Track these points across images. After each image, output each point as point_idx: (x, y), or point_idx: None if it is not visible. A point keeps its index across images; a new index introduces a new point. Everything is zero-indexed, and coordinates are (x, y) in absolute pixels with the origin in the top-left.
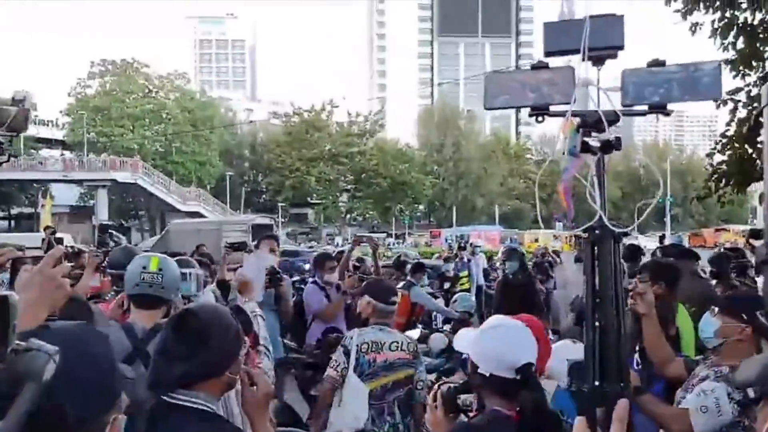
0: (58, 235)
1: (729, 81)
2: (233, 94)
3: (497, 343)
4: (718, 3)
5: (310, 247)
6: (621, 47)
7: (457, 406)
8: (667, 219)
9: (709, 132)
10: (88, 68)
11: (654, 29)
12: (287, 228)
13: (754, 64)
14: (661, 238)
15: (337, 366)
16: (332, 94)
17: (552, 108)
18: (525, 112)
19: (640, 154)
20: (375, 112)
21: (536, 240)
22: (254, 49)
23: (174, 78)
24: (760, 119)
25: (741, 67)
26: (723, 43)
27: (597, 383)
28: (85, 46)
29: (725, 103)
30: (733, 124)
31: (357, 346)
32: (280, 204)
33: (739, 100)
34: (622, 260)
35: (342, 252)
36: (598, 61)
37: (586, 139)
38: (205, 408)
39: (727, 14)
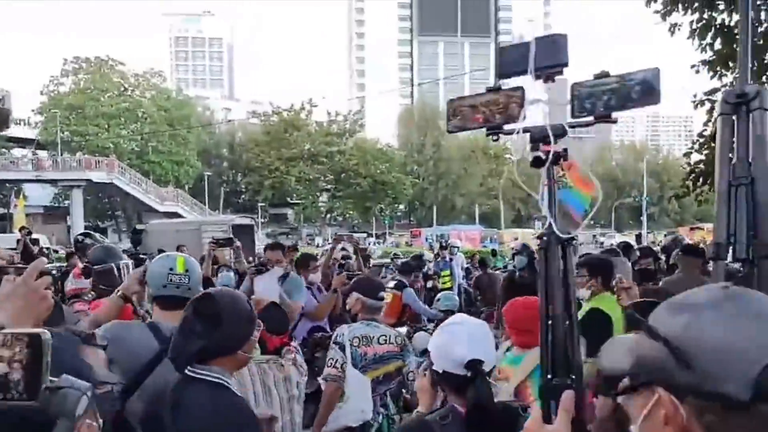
0: (33, 236)
1: (706, 82)
2: (210, 92)
3: (448, 340)
4: (696, 4)
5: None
6: (566, 64)
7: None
8: (644, 218)
9: (686, 132)
10: (62, 66)
11: (651, 29)
12: (267, 228)
13: (731, 64)
14: (638, 237)
15: (336, 362)
16: (311, 94)
17: (505, 127)
18: None
19: (618, 155)
20: (354, 111)
21: (516, 239)
22: (232, 47)
23: (150, 76)
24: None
25: (718, 68)
26: (701, 44)
27: (549, 377)
28: (59, 45)
29: (702, 103)
30: (711, 124)
31: (349, 340)
32: (259, 204)
33: (716, 101)
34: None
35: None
36: (547, 79)
37: (536, 153)
38: (219, 381)
39: (705, 15)
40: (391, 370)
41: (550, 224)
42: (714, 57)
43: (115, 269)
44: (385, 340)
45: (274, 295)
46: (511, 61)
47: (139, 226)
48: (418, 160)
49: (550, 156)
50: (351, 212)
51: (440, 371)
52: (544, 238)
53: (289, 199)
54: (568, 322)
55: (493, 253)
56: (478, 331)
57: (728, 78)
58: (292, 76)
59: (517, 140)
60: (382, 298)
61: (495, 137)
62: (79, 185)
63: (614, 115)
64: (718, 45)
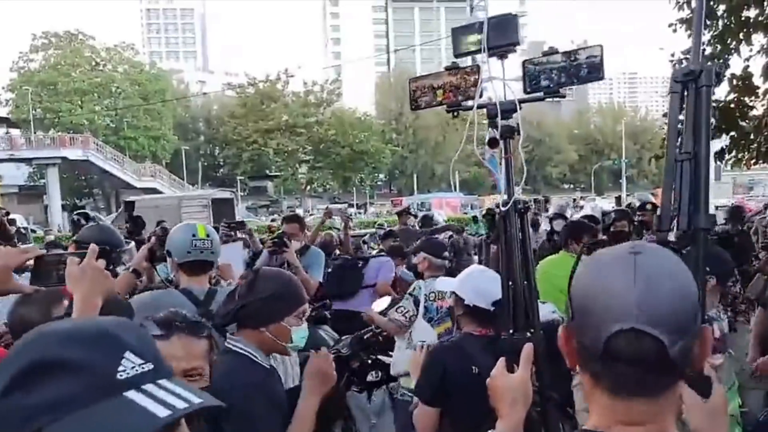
0: (10, 216)
1: (684, 40)
2: (184, 65)
3: (481, 282)
4: None
5: (272, 220)
6: (518, 43)
7: None
8: (623, 180)
9: (664, 92)
10: (30, 41)
11: None
12: (247, 201)
13: (708, 22)
14: (618, 199)
15: (406, 312)
16: (287, 64)
17: (463, 104)
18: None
19: (595, 117)
20: (331, 80)
21: (497, 205)
22: (204, 18)
23: (121, 50)
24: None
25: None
26: (678, 2)
27: (511, 332)
28: (27, 20)
29: (680, 62)
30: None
31: (425, 295)
32: (238, 177)
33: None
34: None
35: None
36: (501, 57)
37: (491, 135)
38: (242, 351)
39: None
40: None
41: (508, 195)
42: (691, 15)
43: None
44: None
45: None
46: (464, 40)
47: (131, 198)
48: (396, 128)
49: (498, 131)
50: (331, 183)
51: (471, 305)
52: (504, 207)
53: (268, 171)
54: (526, 283)
55: (474, 219)
56: (495, 276)
57: (705, 36)
58: (267, 46)
59: (474, 114)
60: (446, 258)
61: (455, 114)
62: (54, 163)
63: (562, 90)
64: (694, 2)
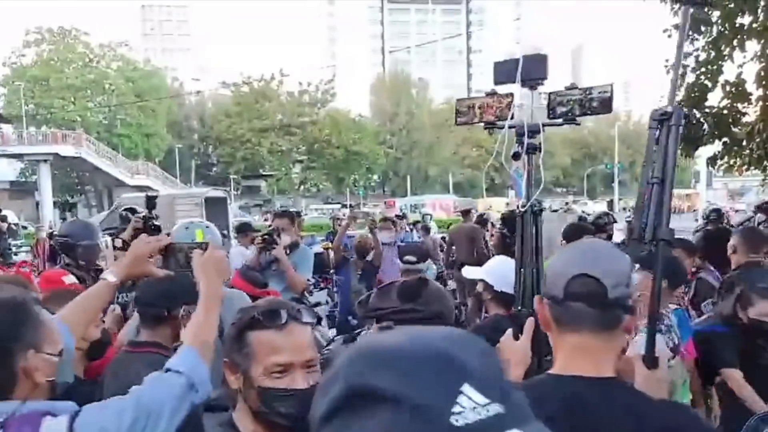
0: (2, 212)
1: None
2: (179, 63)
3: (508, 271)
4: None
5: (265, 219)
6: (545, 78)
7: None
8: (615, 184)
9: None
10: (24, 36)
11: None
12: (240, 201)
13: (702, 29)
14: (610, 204)
15: None
16: (282, 63)
17: (498, 123)
18: (476, 82)
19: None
20: (326, 81)
21: (490, 207)
22: (200, 16)
23: (115, 46)
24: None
25: (690, 32)
26: (673, 8)
27: (519, 308)
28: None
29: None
30: (682, 89)
31: None
32: (231, 176)
33: (688, 65)
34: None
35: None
36: (531, 87)
37: (515, 149)
38: None
39: None
40: None
41: (527, 199)
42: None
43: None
44: None
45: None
46: (503, 71)
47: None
48: (391, 129)
49: (524, 147)
50: (325, 183)
51: (499, 290)
52: (522, 209)
53: (261, 170)
54: (535, 270)
55: None
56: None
57: (700, 42)
58: (262, 45)
59: (506, 132)
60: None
61: (491, 131)
62: (46, 159)
63: (578, 119)
64: (690, 10)
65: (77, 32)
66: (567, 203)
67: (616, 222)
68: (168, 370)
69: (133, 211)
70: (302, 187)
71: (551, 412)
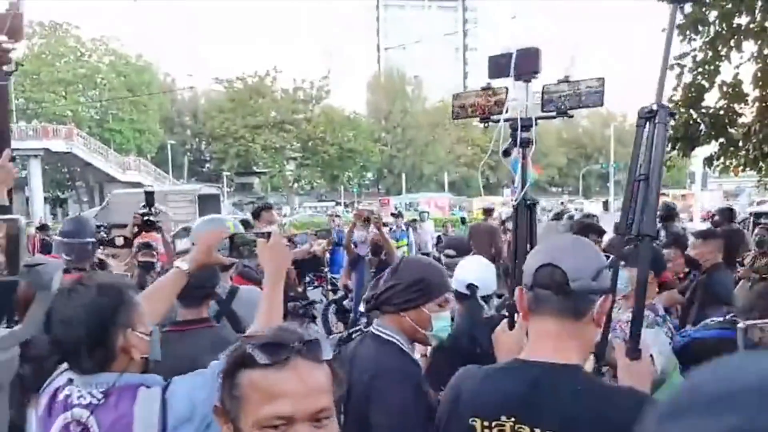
0: None
1: (677, 45)
2: (172, 58)
3: (459, 269)
4: None
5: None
6: (538, 71)
7: None
8: (611, 184)
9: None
10: None
11: None
12: (233, 198)
13: (700, 28)
14: (605, 203)
15: None
16: (277, 60)
17: (492, 117)
18: (472, 80)
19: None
20: (321, 77)
21: (484, 207)
22: (194, 12)
23: (107, 41)
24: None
25: (688, 32)
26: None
27: (514, 300)
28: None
29: (672, 67)
30: (679, 89)
31: None
32: (225, 173)
33: (685, 65)
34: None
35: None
36: (526, 81)
37: (506, 147)
38: (391, 339)
39: None
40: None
41: (523, 193)
42: (684, 20)
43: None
44: None
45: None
46: (497, 65)
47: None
48: (386, 127)
49: (518, 141)
50: (319, 181)
51: (453, 289)
52: (517, 202)
53: (255, 167)
54: None
55: (462, 220)
56: (479, 266)
57: (698, 42)
58: (257, 42)
59: (501, 126)
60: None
61: (486, 124)
62: (36, 155)
63: (570, 111)
64: (688, 8)
65: (69, 26)
66: (562, 203)
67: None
68: None
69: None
70: (296, 184)
71: (513, 391)
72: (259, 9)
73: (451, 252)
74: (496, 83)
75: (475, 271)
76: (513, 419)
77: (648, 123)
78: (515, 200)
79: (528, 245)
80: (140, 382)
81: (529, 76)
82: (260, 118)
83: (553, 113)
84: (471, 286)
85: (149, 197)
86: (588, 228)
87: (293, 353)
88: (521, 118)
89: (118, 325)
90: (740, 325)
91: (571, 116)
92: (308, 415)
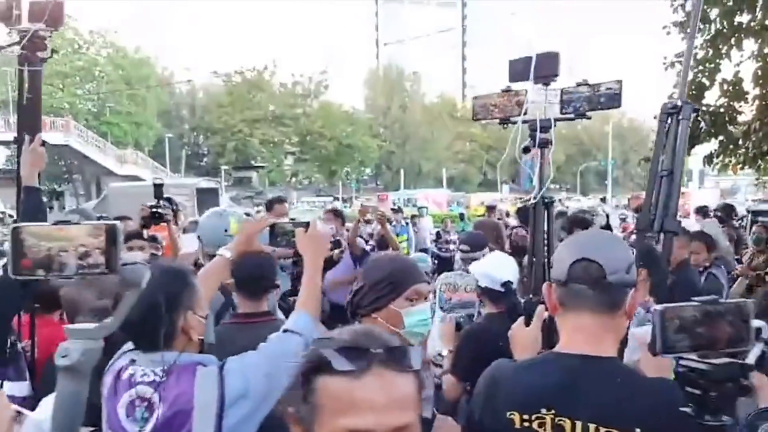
0: None
1: (678, 43)
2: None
3: (490, 267)
4: None
5: (258, 211)
6: (557, 74)
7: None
8: (609, 181)
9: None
10: None
11: None
12: (231, 192)
13: (701, 26)
14: (602, 200)
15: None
16: (276, 54)
17: (512, 119)
18: (470, 76)
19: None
20: (319, 72)
21: (482, 203)
22: (193, 4)
23: (105, 33)
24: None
25: (689, 29)
26: (673, 5)
27: (530, 296)
28: None
29: (672, 65)
30: (679, 86)
31: (439, 285)
32: (222, 167)
33: None
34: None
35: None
36: (545, 84)
37: (525, 144)
38: None
39: None
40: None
41: (539, 191)
42: (685, 18)
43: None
44: (472, 289)
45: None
46: (518, 69)
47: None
48: (384, 122)
49: (536, 142)
50: (317, 175)
51: (483, 287)
52: (535, 200)
53: (253, 162)
54: (546, 260)
55: (461, 216)
56: (509, 262)
57: (698, 40)
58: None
59: (519, 127)
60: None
61: (505, 126)
62: None
63: (588, 113)
64: (689, 6)
65: (67, 18)
66: (560, 200)
67: (595, 216)
68: (286, 330)
69: (169, 200)
70: (294, 179)
71: (552, 383)
72: (258, 3)
73: (465, 247)
74: (516, 86)
75: (507, 267)
76: (553, 412)
77: (671, 119)
78: (534, 198)
79: (545, 242)
80: (198, 361)
81: (549, 79)
82: (258, 113)
83: (572, 115)
84: (507, 284)
85: (158, 190)
86: (579, 222)
87: (375, 360)
88: (540, 120)
89: (182, 307)
90: (657, 307)
91: (589, 118)
92: (390, 431)
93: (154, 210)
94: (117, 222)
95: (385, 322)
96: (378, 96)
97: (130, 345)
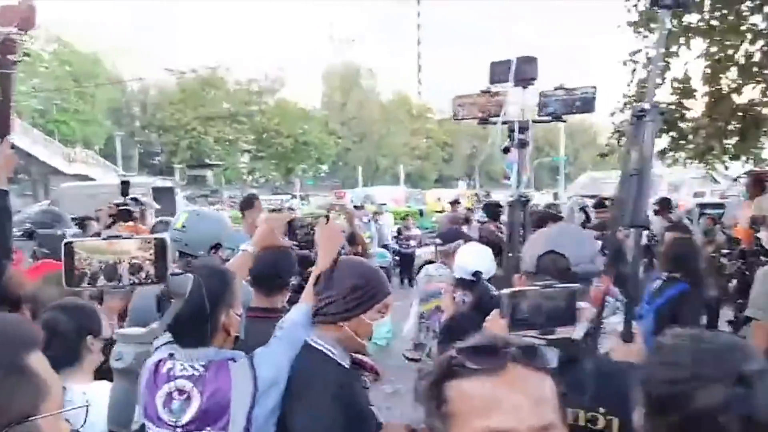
0: None
1: (632, 42)
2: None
3: (462, 258)
4: None
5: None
6: (535, 78)
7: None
8: (561, 177)
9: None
10: None
11: None
12: (186, 191)
13: (653, 26)
14: (555, 195)
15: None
16: (230, 52)
17: (491, 119)
18: (425, 75)
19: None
20: (275, 69)
21: (439, 199)
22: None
23: (50, 27)
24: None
25: (641, 29)
26: (626, 5)
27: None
28: None
29: (625, 63)
30: (633, 84)
31: (421, 277)
32: (176, 166)
33: (638, 61)
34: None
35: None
36: (524, 87)
37: (505, 144)
38: (318, 347)
39: None
40: (440, 303)
41: (517, 190)
42: (639, 18)
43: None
44: (443, 280)
45: None
46: (498, 71)
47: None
48: (340, 118)
49: (515, 142)
50: (273, 173)
51: (458, 276)
52: (513, 198)
53: (207, 160)
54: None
55: (420, 212)
56: (482, 252)
57: (650, 39)
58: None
59: (498, 128)
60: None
61: (484, 126)
62: None
63: (564, 117)
64: (642, 6)
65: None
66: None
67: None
68: (294, 319)
69: (135, 200)
70: (250, 177)
71: None
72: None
73: (439, 241)
74: (496, 88)
75: (476, 256)
76: None
77: (639, 121)
78: (512, 197)
79: (521, 237)
80: (231, 356)
81: (527, 82)
82: (212, 110)
83: (549, 118)
84: (477, 273)
85: (125, 187)
86: (547, 217)
87: (510, 358)
88: (519, 121)
89: (224, 305)
90: (504, 291)
91: (565, 121)
92: (533, 431)
93: (123, 208)
94: (166, 235)
95: (352, 332)
96: (334, 93)
97: (165, 338)
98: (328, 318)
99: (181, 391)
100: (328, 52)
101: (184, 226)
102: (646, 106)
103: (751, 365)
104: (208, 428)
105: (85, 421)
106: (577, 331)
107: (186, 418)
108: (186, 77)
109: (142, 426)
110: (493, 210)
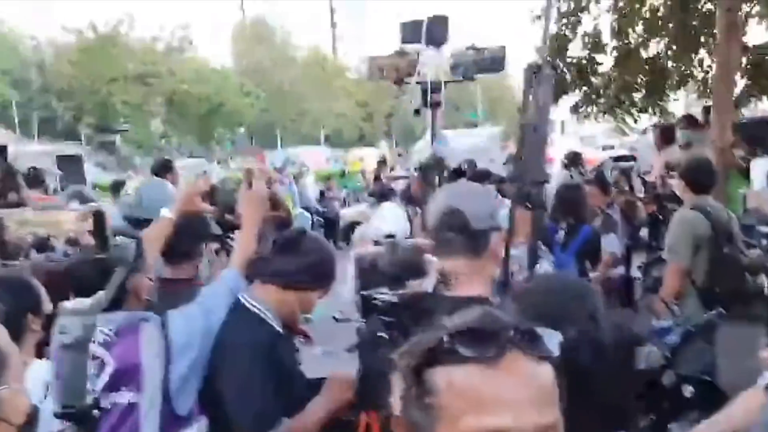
0: None
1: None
2: (14, 7)
3: (376, 220)
4: None
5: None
6: (447, 38)
7: None
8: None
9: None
10: None
11: None
12: (95, 158)
13: None
14: None
15: None
16: (131, 7)
17: (405, 79)
18: (343, 30)
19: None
20: (181, 26)
21: (361, 159)
22: None
23: None
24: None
25: None
26: None
27: None
28: None
29: (539, 17)
30: (547, 41)
31: (357, 235)
32: (83, 131)
33: (549, 18)
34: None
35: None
36: (436, 46)
37: (415, 107)
38: (253, 309)
39: None
40: None
41: (433, 152)
42: None
43: None
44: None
45: None
46: (409, 32)
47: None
48: (255, 79)
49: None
50: (188, 137)
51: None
52: (427, 159)
53: (115, 125)
54: None
55: (342, 173)
56: (393, 213)
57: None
58: None
59: (413, 88)
60: None
61: (399, 86)
62: None
63: (475, 76)
64: None
65: None
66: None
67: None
68: (216, 284)
69: (35, 168)
70: (163, 141)
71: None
72: None
73: (371, 199)
74: (409, 48)
75: (390, 219)
76: None
77: (534, 77)
78: (426, 158)
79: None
80: (141, 317)
81: (439, 42)
82: (116, 71)
83: (460, 78)
84: (389, 236)
85: (2, 151)
86: (483, 176)
87: (509, 345)
88: (431, 82)
89: (133, 270)
90: (351, 253)
91: (475, 80)
92: (531, 430)
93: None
94: (101, 205)
95: (295, 302)
96: (246, 52)
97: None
98: (278, 280)
99: (94, 357)
100: (235, 8)
101: (138, 191)
102: (539, 61)
103: (598, 306)
104: (123, 389)
105: (45, 397)
106: (427, 285)
107: (101, 384)
108: (85, 36)
109: (96, 399)
110: (426, 171)
